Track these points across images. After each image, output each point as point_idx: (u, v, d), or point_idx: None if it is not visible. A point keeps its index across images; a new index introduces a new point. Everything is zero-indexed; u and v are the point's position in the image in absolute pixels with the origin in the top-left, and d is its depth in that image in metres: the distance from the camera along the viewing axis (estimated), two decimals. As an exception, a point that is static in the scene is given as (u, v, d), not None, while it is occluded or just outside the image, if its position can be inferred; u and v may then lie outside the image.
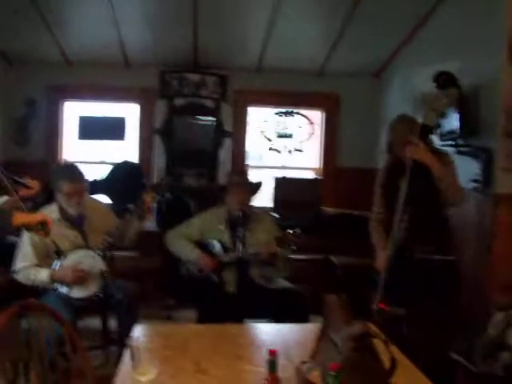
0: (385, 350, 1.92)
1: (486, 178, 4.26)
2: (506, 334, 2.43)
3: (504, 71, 4.14)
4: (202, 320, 3.88)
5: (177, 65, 6.49)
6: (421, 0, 5.25)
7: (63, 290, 3.67)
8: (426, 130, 3.55)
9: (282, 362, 2.22)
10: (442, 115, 4.05)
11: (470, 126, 4.42)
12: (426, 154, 3.49)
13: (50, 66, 6.42)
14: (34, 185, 3.58)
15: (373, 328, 2.04)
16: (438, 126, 4.00)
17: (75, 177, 3.85)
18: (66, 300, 3.62)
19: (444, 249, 3.61)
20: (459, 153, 4.43)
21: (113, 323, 4.00)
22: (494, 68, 4.24)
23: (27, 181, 3.56)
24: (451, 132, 4.49)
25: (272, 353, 1.88)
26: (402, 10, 5.36)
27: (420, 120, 3.60)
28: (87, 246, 3.83)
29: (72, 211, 3.86)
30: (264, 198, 6.35)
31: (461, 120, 4.41)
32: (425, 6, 5.30)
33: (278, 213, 6.03)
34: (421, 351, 3.38)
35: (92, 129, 6.56)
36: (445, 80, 3.86)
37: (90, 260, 3.76)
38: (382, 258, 3.70)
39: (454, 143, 4.52)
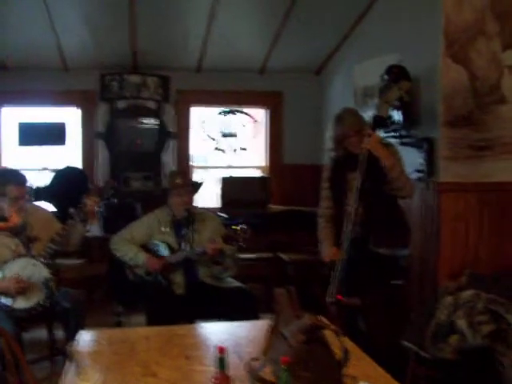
0: (336, 342, 1.90)
1: (430, 168, 4.32)
2: (455, 318, 2.45)
3: (442, 62, 4.20)
4: (151, 324, 3.79)
5: (117, 67, 6.37)
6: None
7: (5, 301, 3.52)
8: (379, 122, 3.60)
9: (233, 360, 2.19)
10: (395, 107, 4.11)
11: (411, 117, 4.48)
12: (377, 145, 3.52)
13: (-14, 71, 6.23)
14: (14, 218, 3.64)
15: (323, 320, 2.01)
16: (390, 117, 4.06)
17: (22, 180, 3.76)
18: (9, 312, 3.48)
19: (400, 240, 3.66)
20: (402, 144, 4.49)
21: (60, 333, 3.89)
22: (433, 59, 4.30)
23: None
24: (393, 123, 4.53)
25: (221, 350, 1.84)
26: (340, 5, 5.40)
27: (372, 112, 3.63)
28: (30, 255, 3.70)
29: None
30: (212, 199, 6.31)
31: (402, 111, 4.46)
32: (362, 1, 5.33)
33: (226, 213, 5.99)
34: (377, 341, 3.42)
35: (32, 135, 6.36)
36: (396, 73, 3.92)
37: (32, 269, 3.62)
38: (329, 252, 3.71)
39: (396, 134, 4.56)
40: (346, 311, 3.59)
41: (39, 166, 6.59)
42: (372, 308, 3.55)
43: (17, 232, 3.74)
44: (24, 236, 3.76)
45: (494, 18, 4.18)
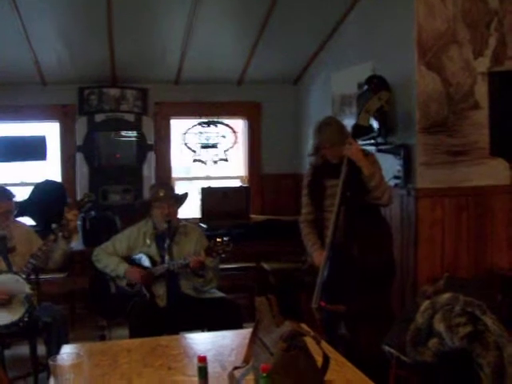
0: (318, 348, 1.92)
1: (407, 174, 4.37)
2: (433, 321, 2.49)
3: (416, 70, 4.26)
4: (134, 337, 3.77)
5: (95, 80, 6.37)
6: (333, 7, 5.34)
7: (-15, 318, 3.51)
8: (359, 131, 3.67)
9: (216, 369, 2.21)
10: (375, 116, 4.19)
11: (388, 124, 4.53)
12: (358, 154, 3.59)
13: (-38, 87, 6.19)
14: None
15: (304, 327, 2.03)
16: (371, 126, 4.13)
17: (11, 195, 3.81)
18: (-10, 329, 3.47)
19: (382, 245, 3.71)
20: (379, 151, 4.53)
21: (43, 349, 3.86)
22: (408, 67, 4.36)
23: None
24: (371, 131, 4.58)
25: (201, 359, 1.85)
26: (315, 15, 5.45)
27: (350, 121, 3.70)
28: (10, 270, 3.68)
29: None
30: (192, 210, 6.31)
31: (379, 119, 4.51)
32: (338, 11, 5.40)
33: (206, 224, 5.99)
34: (360, 347, 3.44)
35: (11, 150, 6.32)
36: (377, 83, 4.00)
37: (13, 284, 3.60)
38: (318, 257, 3.75)
39: (373, 142, 4.61)
40: (329, 317, 3.62)
41: (17, 180, 6.54)
42: (357, 315, 3.58)
43: None
44: (3, 247, 3.75)
45: (465, 27, 4.26)
